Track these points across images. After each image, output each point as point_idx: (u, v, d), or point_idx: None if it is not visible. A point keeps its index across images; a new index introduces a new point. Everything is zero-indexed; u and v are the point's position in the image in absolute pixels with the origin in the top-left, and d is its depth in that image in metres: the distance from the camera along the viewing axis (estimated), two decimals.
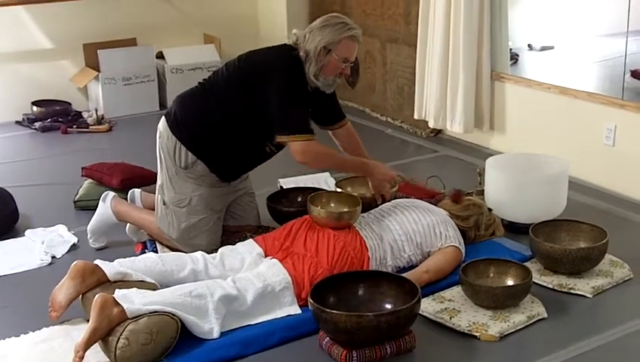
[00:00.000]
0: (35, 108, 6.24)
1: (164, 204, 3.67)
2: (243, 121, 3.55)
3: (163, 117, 3.70)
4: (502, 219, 3.88)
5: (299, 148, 3.48)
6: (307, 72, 3.52)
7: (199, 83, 3.71)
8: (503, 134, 5.21)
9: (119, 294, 2.88)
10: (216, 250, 3.40)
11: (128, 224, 3.87)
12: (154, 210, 3.76)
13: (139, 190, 4.03)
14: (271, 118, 3.51)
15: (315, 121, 3.85)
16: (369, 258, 3.32)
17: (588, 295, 3.28)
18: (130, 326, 2.77)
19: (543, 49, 6.03)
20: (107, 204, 3.84)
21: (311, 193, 3.73)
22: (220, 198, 3.71)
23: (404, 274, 3.18)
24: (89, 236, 3.87)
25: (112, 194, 3.90)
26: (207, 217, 3.65)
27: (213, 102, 3.57)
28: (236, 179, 3.78)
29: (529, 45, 6.03)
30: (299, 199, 4.06)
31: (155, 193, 3.82)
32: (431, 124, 5.47)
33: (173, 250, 3.64)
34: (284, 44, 3.63)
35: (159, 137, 3.68)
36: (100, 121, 6.15)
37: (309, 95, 3.60)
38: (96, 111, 6.22)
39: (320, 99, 3.70)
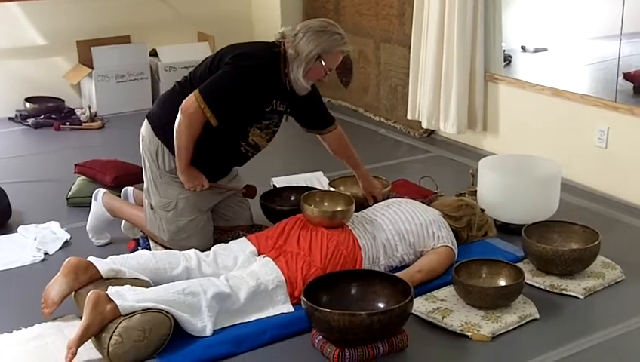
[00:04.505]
0: (28, 104, 6.24)
1: (151, 208, 3.66)
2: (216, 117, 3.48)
3: (145, 119, 3.67)
4: (494, 220, 3.89)
5: (190, 103, 3.37)
6: (290, 70, 3.47)
7: (177, 82, 3.68)
8: (496, 135, 5.22)
9: (112, 291, 2.88)
10: (209, 249, 3.40)
11: (123, 220, 3.87)
12: None
13: (131, 188, 4.03)
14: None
15: (302, 125, 3.83)
16: (362, 257, 3.32)
17: (579, 296, 3.29)
18: (123, 323, 2.77)
19: (537, 51, 6.06)
20: (99, 202, 3.83)
21: (304, 192, 3.74)
22: (207, 199, 3.70)
23: (396, 274, 3.18)
24: (90, 235, 3.87)
25: (102, 191, 3.89)
26: (195, 218, 3.64)
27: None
28: (217, 180, 3.75)
29: (522, 47, 6.05)
30: (292, 198, 4.07)
31: None
32: (424, 125, 5.48)
33: (166, 247, 3.64)
34: (267, 42, 3.59)
35: (142, 140, 3.66)
36: (92, 118, 6.15)
37: (283, 92, 3.55)
38: (89, 108, 6.22)
39: (302, 102, 3.65)
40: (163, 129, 3.56)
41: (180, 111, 3.41)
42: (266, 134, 3.65)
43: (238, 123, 3.55)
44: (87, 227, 3.87)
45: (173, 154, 3.53)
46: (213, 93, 3.40)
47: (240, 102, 3.44)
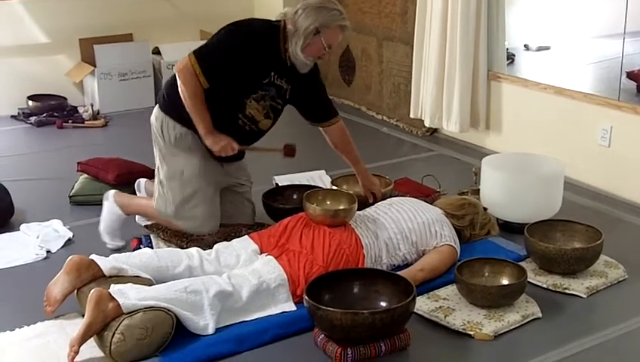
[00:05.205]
0: (30, 102, 6.24)
1: (160, 183, 3.71)
2: (212, 86, 3.53)
3: (156, 105, 3.77)
4: (497, 219, 3.89)
5: (183, 62, 3.49)
6: (290, 45, 3.53)
7: None
8: (499, 134, 5.22)
9: (115, 289, 2.88)
10: (211, 246, 3.40)
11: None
12: None
13: (144, 179, 4.06)
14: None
15: (305, 117, 3.86)
16: (364, 256, 3.32)
17: (582, 295, 3.28)
18: (125, 322, 2.77)
19: (540, 49, 6.04)
20: (111, 201, 3.83)
21: (306, 190, 3.74)
22: (213, 172, 3.73)
23: (399, 273, 3.18)
24: (106, 238, 3.79)
25: (112, 191, 3.91)
26: (202, 188, 3.67)
27: None
28: (227, 161, 3.78)
29: (525, 45, 6.03)
30: (294, 196, 4.08)
31: None
32: (427, 123, 5.48)
33: (169, 245, 3.65)
34: (269, 19, 3.67)
35: (152, 124, 3.73)
36: (95, 116, 6.15)
37: (282, 67, 3.60)
38: (92, 106, 6.22)
39: (303, 83, 3.69)
40: (168, 105, 3.65)
41: (177, 75, 3.51)
42: (263, 108, 3.66)
43: (233, 90, 3.58)
44: (102, 229, 3.80)
45: (178, 123, 3.60)
46: (205, 53, 3.50)
47: (233, 67, 3.51)
